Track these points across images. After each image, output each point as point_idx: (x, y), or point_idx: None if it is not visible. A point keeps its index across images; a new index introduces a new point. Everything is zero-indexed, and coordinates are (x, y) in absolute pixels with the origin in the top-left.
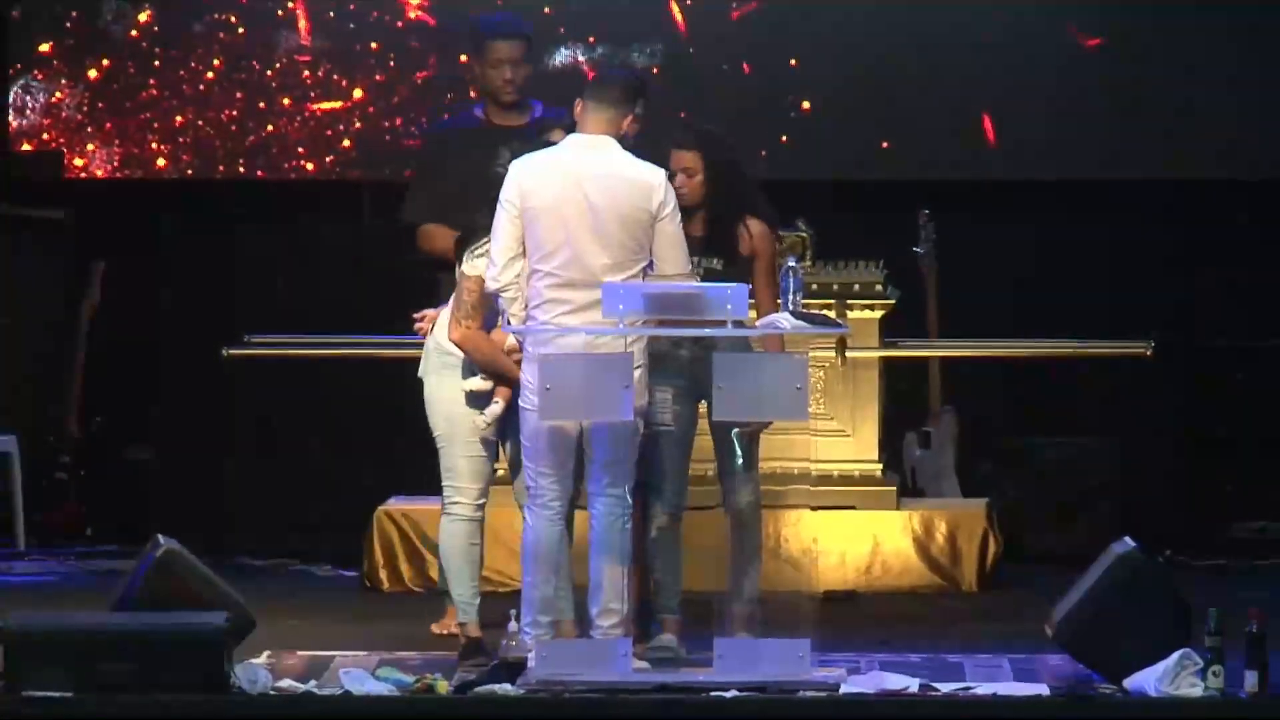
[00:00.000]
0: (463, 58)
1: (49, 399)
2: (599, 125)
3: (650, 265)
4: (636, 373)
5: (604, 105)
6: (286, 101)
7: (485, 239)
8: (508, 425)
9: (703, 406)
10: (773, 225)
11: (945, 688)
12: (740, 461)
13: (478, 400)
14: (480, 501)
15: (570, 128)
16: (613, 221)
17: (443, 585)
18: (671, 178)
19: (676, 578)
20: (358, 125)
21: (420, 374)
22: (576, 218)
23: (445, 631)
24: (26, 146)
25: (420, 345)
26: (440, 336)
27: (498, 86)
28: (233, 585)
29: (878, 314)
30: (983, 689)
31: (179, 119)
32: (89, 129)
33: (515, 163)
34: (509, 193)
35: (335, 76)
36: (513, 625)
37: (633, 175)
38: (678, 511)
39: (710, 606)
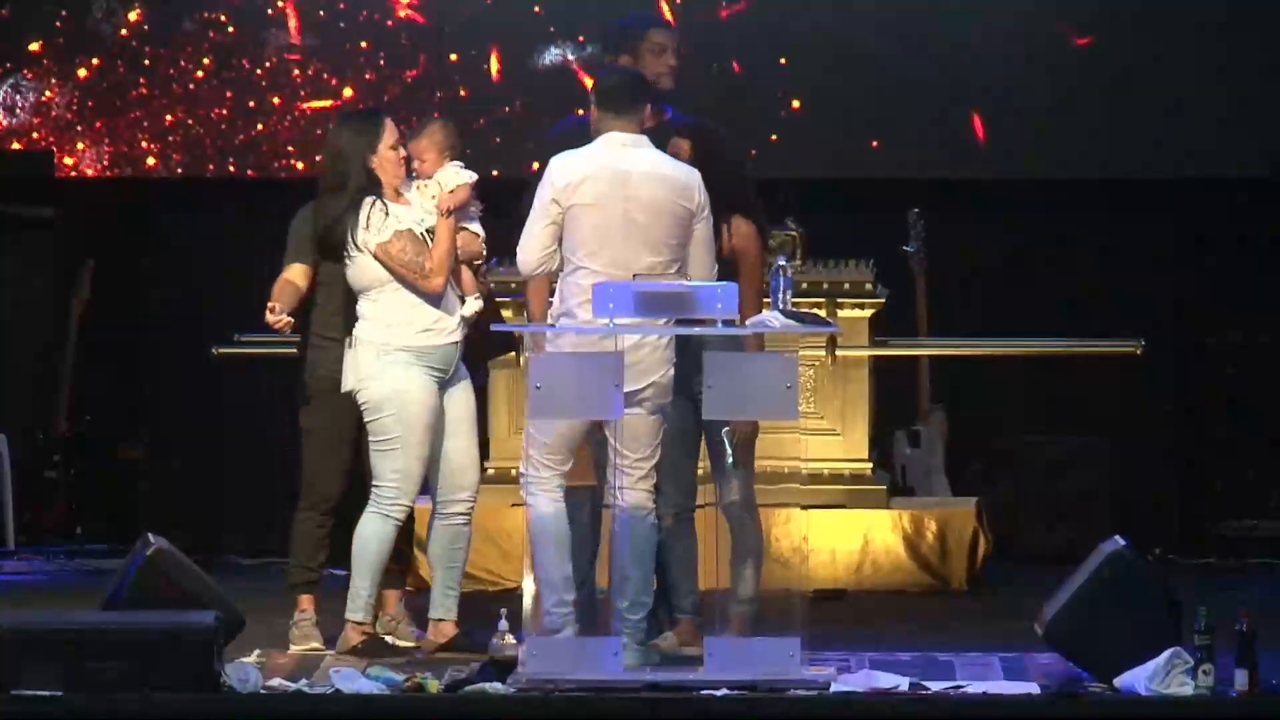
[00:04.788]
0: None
1: (38, 398)
2: (628, 128)
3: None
4: (671, 372)
5: (623, 112)
6: (276, 100)
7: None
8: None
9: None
10: (763, 229)
11: (935, 686)
12: (729, 461)
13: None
14: (411, 505)
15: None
16: (658, 218)
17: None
18: None
19: (689, 577)
20: None
21: (349, 388)
22: (622, 215)
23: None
24: (16, 145)
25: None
26: (370, 335)
27: (661, 72)
28: (222, 584)
29: (868, 313)
30: (973, 688)
31: (169, 118)
32: (79, 128)
33: (554, 160)
34: (550, 192)
35: (325, 75)
36: (503, 624)
37: (673, 173)
38: (682, 511)
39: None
